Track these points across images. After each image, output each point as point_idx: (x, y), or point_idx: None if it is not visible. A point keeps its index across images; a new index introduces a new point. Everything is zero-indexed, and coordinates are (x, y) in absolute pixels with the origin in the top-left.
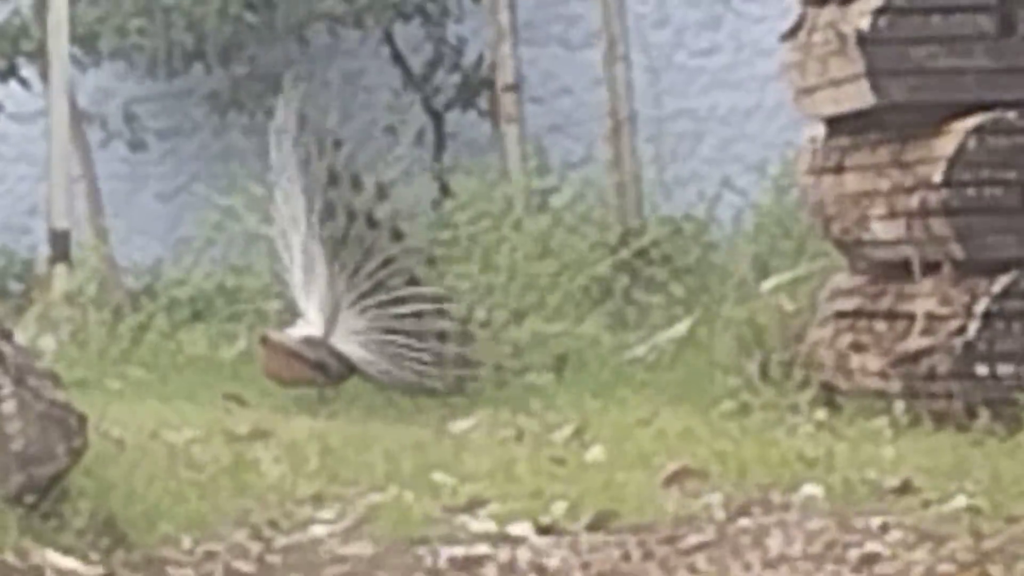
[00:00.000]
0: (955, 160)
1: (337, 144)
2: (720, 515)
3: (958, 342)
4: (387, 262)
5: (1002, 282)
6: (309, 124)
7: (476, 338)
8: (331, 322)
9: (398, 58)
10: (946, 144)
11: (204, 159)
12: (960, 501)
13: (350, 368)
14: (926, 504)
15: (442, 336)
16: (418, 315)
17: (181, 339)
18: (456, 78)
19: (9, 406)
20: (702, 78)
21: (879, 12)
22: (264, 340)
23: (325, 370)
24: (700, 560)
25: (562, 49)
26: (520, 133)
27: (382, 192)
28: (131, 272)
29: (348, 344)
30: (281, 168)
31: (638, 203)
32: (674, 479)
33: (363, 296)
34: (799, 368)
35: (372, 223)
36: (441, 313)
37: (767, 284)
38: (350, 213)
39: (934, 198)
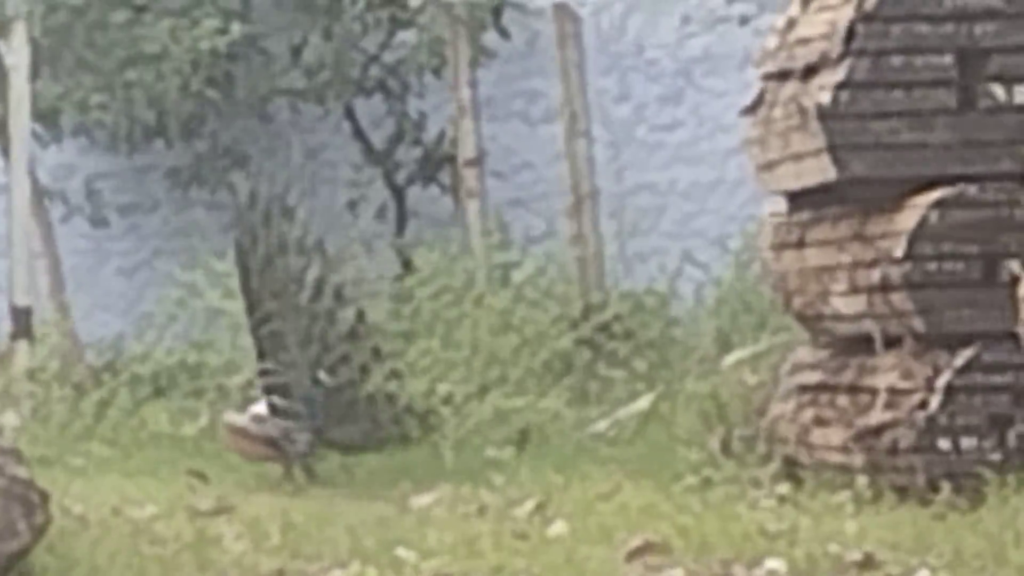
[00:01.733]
0: (917, 234)
1: (248, 205)
2: None
3: (920, 416)
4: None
5: (964, 356)
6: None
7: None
8: None
9: (359, 133)
10: (908, 218)
11: (166, 235)
12: (923, 575)
13: (311, 444)
14: None
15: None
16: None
17: (143, 415)
18: (417, 153)
19: None
20: (663, 153)
21: (840, 87)
22: (223, 422)
23: (275, 445)
24: None
25: (523, 124)
26: (482, 208)
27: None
28: (93, 348)
29: None
30: None
31: (600, 278)
32: (636, 554)
33: None
34: (761, 442)
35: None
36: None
37: (729, 359)
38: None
39: (896, 272)
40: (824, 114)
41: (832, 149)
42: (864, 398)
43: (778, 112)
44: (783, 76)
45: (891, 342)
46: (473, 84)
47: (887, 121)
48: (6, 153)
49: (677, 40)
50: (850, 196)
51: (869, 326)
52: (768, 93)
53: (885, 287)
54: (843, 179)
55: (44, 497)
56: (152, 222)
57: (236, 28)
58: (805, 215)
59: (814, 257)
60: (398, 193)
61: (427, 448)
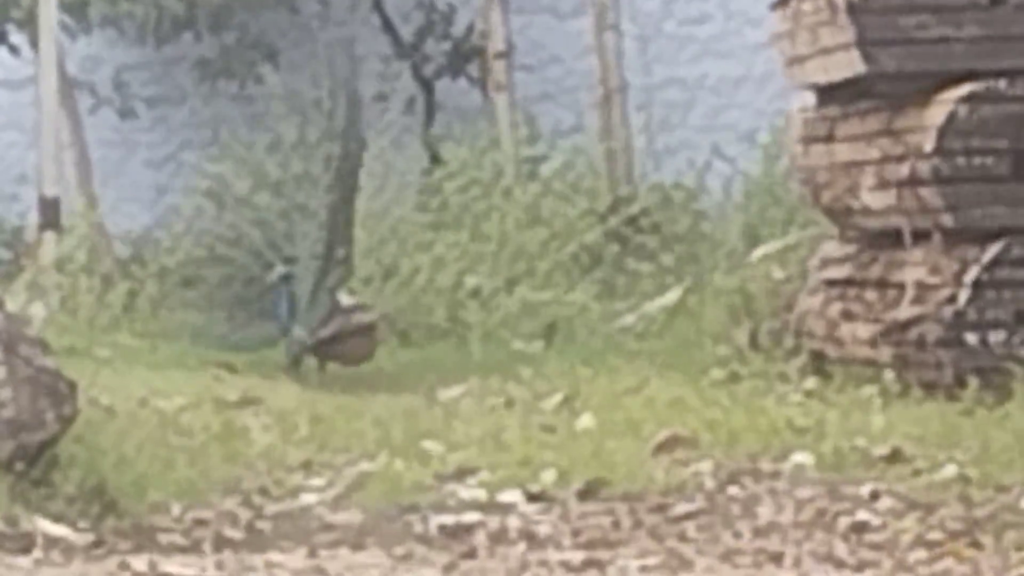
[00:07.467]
0: (945, 129)
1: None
2: (710, 483)
3: (948, 311)
4: None
5: (992, 251)
6: None
7: None
8: None
9: (388, 26)
10: (936, 113)
11: (194, 126)
12: (950, 470)
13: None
14: (916, 473)
15: None
16: None
17: (170, 306)
18: (446, 46)
19: None
20: (692, 47)
21: None
22: None
23: None
24: (690, 528)
25: (552, 17)
26: (510, 101)
27: None
28: (121, 239)
29: None
30: None
31: (628, 171)
32: (664, 447)
33: None
34: (789, 336)
35: None
36: None
37: (757, 253)
38: None
39: (924, 167)
40: (853, 8)
41: (861, 43)
42: (892, 293)
43: (807, 6)
44: None
45: (919, 237)
46: None
47: (916, 15)
48: (34, 44)
49: None
50: (879, 91)
51: (897, 221)
52: None
53: (914, 182)
54: (872, 73)
55: (72, 388)
56: (180, 114)
57: None
58: (834, 109)
59: (843, 152)
60: (427, 86)
61: (455, 341)
